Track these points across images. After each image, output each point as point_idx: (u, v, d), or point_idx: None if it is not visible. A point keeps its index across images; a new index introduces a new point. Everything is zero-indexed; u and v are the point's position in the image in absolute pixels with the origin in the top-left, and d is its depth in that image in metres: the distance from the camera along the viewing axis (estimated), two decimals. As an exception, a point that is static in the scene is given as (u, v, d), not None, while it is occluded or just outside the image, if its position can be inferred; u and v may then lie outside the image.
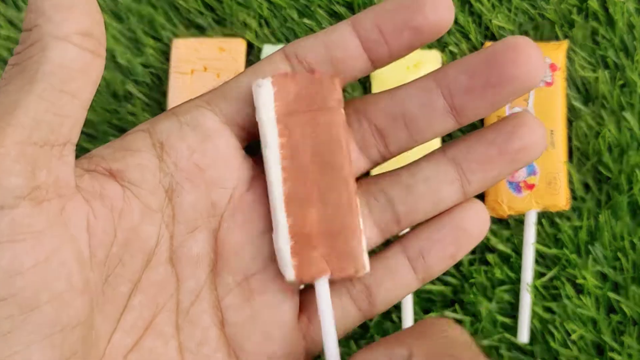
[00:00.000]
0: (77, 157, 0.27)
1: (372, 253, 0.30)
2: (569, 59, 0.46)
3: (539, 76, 0.26)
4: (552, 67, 0.45)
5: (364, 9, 0.29)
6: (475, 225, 0.29)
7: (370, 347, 0.25)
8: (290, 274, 0.31)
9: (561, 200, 0.45)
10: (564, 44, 0.46)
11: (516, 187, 0.45)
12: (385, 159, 0.30)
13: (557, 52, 0.45)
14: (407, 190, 0.29)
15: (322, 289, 0.31)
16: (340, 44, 0.28)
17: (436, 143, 0.47)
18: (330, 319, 0.30)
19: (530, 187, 0.45)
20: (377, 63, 0.28)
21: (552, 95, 0.45)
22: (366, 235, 0.31)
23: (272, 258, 0.29)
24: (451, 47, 0.47)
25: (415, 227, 0.30)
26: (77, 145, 0.24)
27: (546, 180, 0.45)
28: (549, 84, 0.45)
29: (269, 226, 0.29)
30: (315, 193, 0.32)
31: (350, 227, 0.32)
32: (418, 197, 0.29)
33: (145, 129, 0.27)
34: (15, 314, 0.22)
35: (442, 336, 0.24)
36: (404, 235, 0.30)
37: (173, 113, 0.28)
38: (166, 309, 0.27)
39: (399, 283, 0.29)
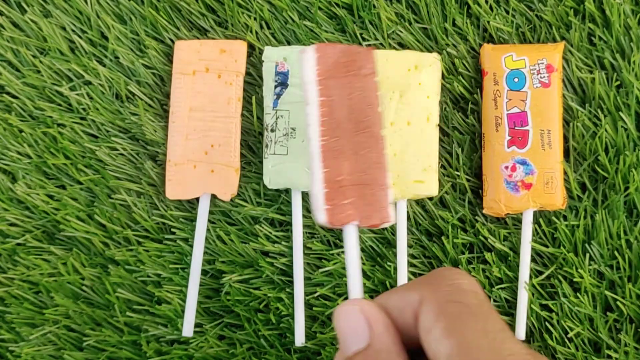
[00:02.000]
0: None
1: None
2: (566, 60, 0.47)
3: None
4: (549, 68, 0.46)
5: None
6: None
7: (389, 291, 0.27)
8: (322, 217, 0.35)
9: (558, 200, 0.45)
10: (561, 46, 0.46)
11: (514, 186, 0.45)
12: None
13: (553, 53, 0.46)
14: None
15: (351, 234, 0.35)
16: None
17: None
18: (357, 261, 0.34)
19: (528, 186, 0.45)
20: None
21: (548, 96, 0.46)
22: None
23: None
24: (449, 49, 0.48)
25: None
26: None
27: (543, 180, 0.45)
28: (546, 85, 0.46)
29: None
30: (349, 148, 0.36)
31: (379, 181, 0.36)
32: None
33: None
34: None
35: (451, 284, 0.25)
36: None
37: None
38: None
39: None
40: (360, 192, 0.36)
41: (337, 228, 0.37)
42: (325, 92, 0.36)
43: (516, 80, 0.46)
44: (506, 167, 0.46)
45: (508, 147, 0.46)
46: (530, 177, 0.45)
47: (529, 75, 0.46)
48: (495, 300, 0.46)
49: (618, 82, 0.46)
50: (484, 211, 0.47)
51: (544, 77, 0.46)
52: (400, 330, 0.26)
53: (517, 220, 0.47)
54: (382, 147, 0.37)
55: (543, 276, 0.46)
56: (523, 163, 0.45)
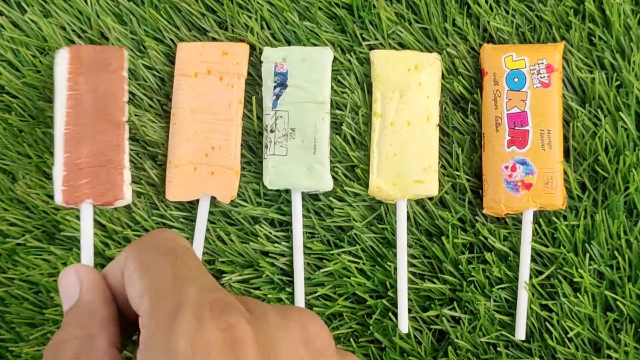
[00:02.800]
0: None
1: None
2: (566, 60, 0.47)
3: None
4: (549, 68, 0.46)
5: None
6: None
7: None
8: (59, 198, 0.42)
9: (558, 200, 0.45)
10: (561, 46, 0.46)
11: (514, 186, 0.45)
12: None
13: (553, 53, 0.46)
14: None
15: (86, 211, 0.42)
16: None
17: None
18: (90, 236, 0.41)
19: (528, 186, 0.45)
20: None
21: (548, 96, 0.46)
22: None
23: None
24: (449, 49, 0.48)
25: None
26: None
27: (543, 180, 0.45)
28: (546, 85, 0.46)
29: None
30: (90, 133, 0.42)
31: (115, 162, 0.43)
32: None
33: None
34: None
35: (155, 236, 0.27)
36: None
37: None
38: None
39: None
40: (96, 173, 0.42)
41: (74, 207, 0.41)
42: (74, 87, 0.42)
43: (516, 80, 0.46)
44: (506, 167, 0.46)
45: (508, 147, 0.46)
46: (530, 177, 0.45)
47: (529, 75, 0.46)
48: (495, 301, 0.46)
49: (618, 82, 0.46)
50: (484, 211, 0.47)
51: (544, 77, 0.46)
52: (118, 295, 0.27)
53: (517, 220, 0.47)
54: (122, 132, 0.43)
55: (543, 276, 0.46)
56: (523, 163, 0.45)
